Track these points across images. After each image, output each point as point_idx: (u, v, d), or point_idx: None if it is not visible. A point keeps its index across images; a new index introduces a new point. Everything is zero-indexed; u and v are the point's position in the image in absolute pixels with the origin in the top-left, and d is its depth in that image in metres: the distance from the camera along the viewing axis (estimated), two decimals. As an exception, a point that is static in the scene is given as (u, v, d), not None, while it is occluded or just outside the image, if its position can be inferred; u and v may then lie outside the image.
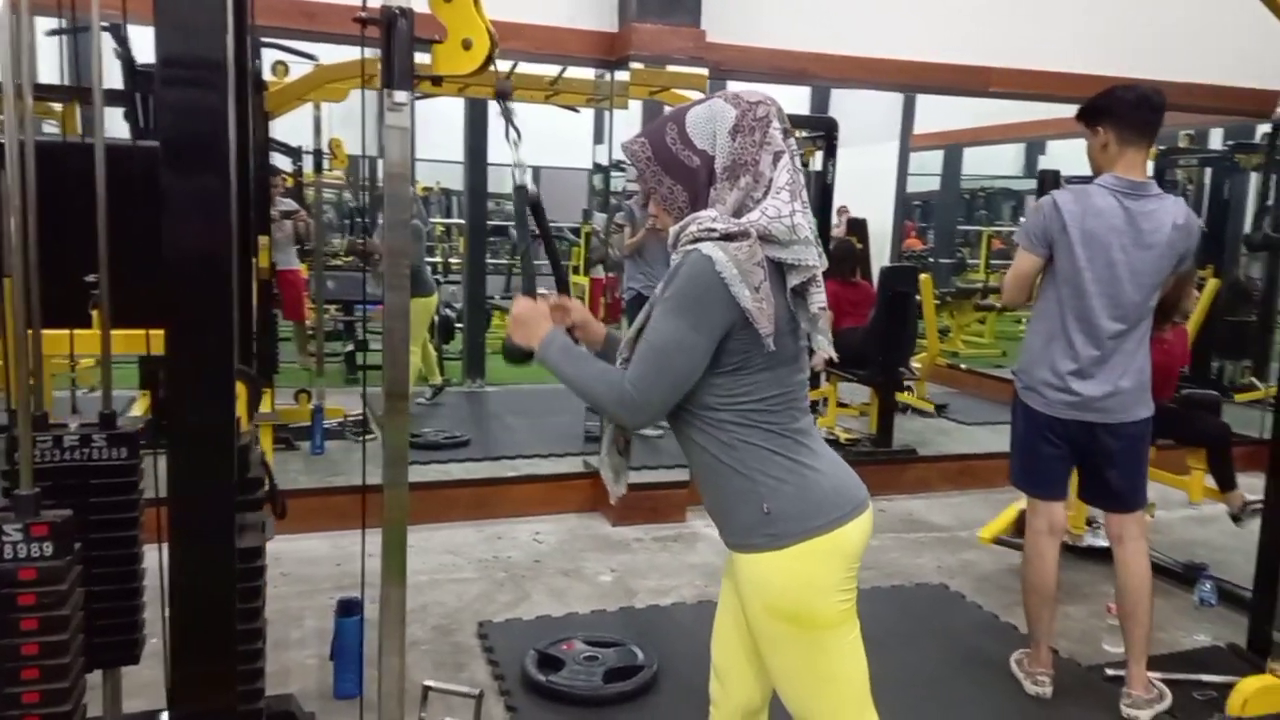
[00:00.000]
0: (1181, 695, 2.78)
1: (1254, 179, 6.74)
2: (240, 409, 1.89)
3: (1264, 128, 6.45)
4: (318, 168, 5.97)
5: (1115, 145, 2.56)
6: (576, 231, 10.52)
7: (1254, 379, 6.70)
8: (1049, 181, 3.64)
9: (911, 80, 4.76)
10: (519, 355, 1.73)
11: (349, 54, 4.85)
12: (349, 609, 2.73)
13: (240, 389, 1.86)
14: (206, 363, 1.46)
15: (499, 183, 10.93)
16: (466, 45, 1.88)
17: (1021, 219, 13.47)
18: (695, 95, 4.60)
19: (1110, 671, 2.93)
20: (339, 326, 7.63)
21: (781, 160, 1.54)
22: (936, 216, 12.30)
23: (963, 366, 8.20)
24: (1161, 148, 7.23)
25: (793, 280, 1.54)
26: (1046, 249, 2.62)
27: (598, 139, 4.89)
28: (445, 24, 1.88)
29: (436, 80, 1.92)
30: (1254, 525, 3.73)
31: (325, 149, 5.93)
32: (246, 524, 1.85)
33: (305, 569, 3.67)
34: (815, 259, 1.55)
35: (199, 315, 1.45)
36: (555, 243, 1.91)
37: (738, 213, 1.54)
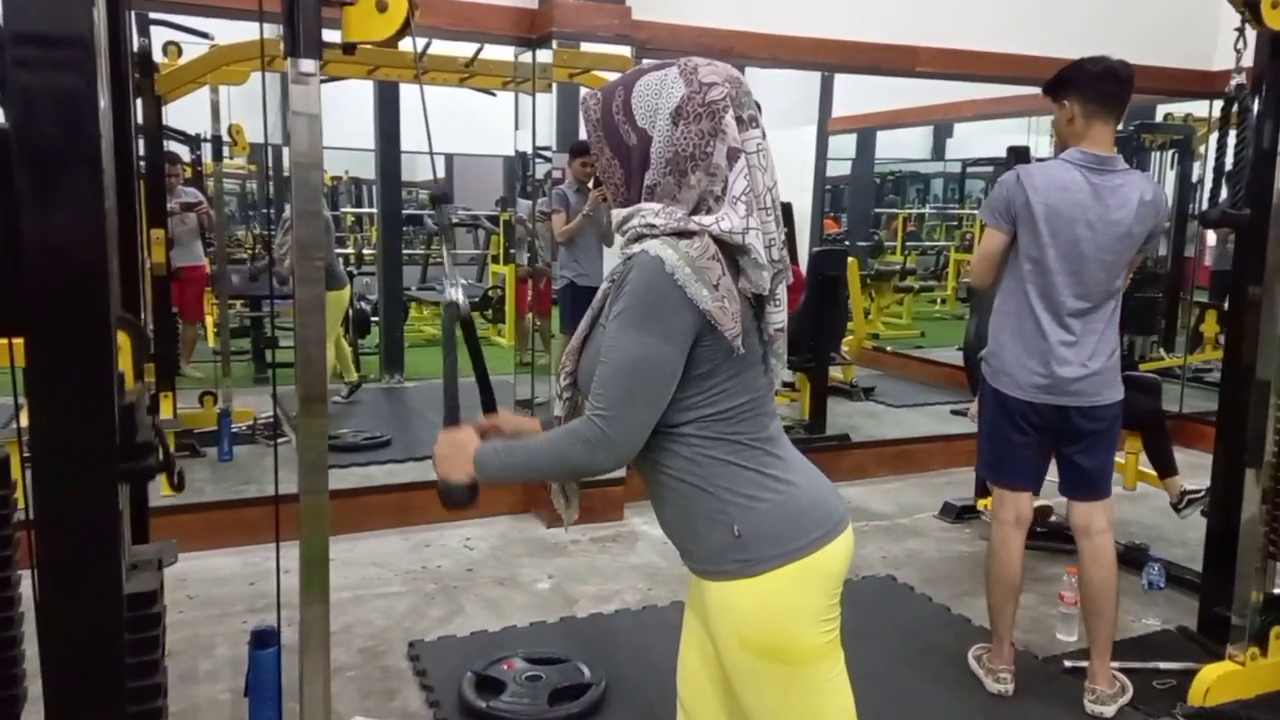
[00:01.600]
0: (1141, 684, 2.73)
1: (1155, 158, 6.88)
2: (125, 364, 1.60)
3: (1165, 108, 6.62)
4: (218, 155, 5.58)
5: (1081, 119, 2.48)
6: (495, 220, 10.29)
7: (1162, 350, 6.83)
8: (1016, 158, 3.56)
9: (840, 60, 4.65)
10: (460, 495, 1.43)
11: (250, 33, 4.53)
12: (263, 640, 2.47)
13: (123, 340, 1.57)
14: (76, 380, 1.22)
15: (413, 170, 10.56)
16: (381, 7, 1.65)
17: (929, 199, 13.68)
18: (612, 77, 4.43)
19: (1069, 663, 2.87)
20: (245, 322, 7.23)
21: (739, 160, 1.33)
22: (850, 200, 12.38)
23: (889, 349, 8.21)
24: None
25: (746, 289, 1.36)
26: (1011, 225, 2.52)
27: (517, 124, 4.64)
28: (357, -17, 1.66)
29: (349, 49, 1.70)
30: (1192, 515, 3.74)
31: (226, 135, 5.54)
32: (140, 559, 1.60)
33: (215, 590, 3.38)
34: (764, 284, 1.35)
35: (67, 328, 1.20)
36: (485, 363, 1.63)
37: (694, 212, 1.35)
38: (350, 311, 6.45)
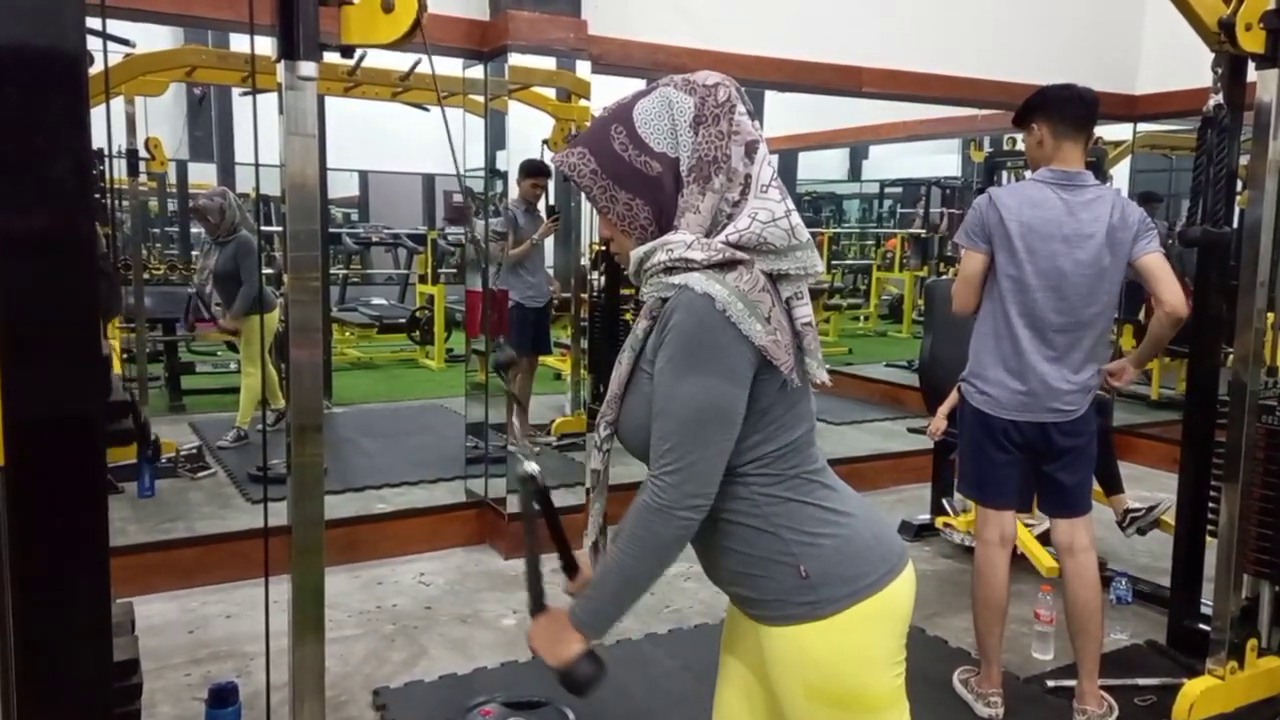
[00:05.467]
0: (1123, 701, 2.73)
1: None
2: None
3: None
4: (133, 170, 5.27)
5: (1050, 140, 2.51)
6: (420, 239, 10.04)
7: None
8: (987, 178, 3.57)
9: (788, 78, 4.64)
10: (585, 672, 1.31)
11: (168, 41, 4.31)
12: (222, 697, 2.27)
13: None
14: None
15: (331, 187, 10.25)
16: (387, 7, 1.53)
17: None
18: (543, 89, 4.32)
19: (1051, 683, 2.85)
20: (158, 347, 6.85)
21: (758, 152, 1.29)
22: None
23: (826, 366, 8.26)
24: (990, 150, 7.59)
25: (785, 291, 1.30)
26: (988, 244, 2.53)
27: (463, 140, 4.49)
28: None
29: (347, 51, 1.56)
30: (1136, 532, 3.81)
31: (143, 149, 5.24)
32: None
33: (150, 640, 3.11)
34: (820, 264, 1.31)
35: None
36: (563, 529, 1.47)
37: (714, 222, 1.27)
38: (281, 328, 6.17)
